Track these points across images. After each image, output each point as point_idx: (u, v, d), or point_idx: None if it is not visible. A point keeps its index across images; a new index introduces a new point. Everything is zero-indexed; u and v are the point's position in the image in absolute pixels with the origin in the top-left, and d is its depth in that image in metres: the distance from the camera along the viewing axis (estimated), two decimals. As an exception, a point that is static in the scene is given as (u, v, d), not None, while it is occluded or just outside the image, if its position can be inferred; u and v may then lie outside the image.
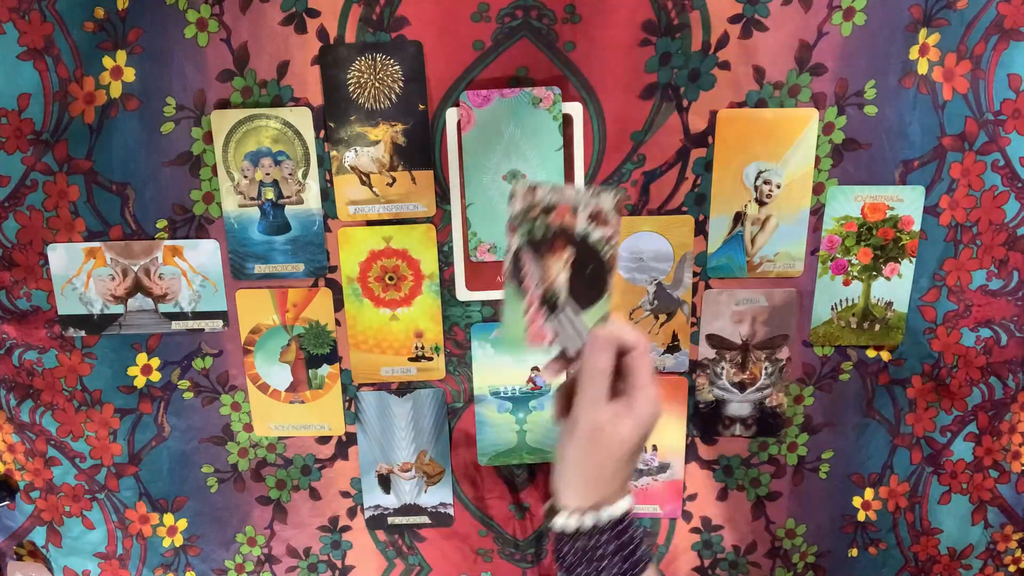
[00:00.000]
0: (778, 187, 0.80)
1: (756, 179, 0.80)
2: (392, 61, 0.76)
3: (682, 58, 0.76)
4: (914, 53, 0.77)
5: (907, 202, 0.81)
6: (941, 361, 0.86)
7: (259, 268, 0.82)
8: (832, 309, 0.84)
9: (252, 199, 0.80)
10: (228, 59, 0.76)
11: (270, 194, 0.80)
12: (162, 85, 0.76)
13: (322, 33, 0.76)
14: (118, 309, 0.83)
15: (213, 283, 0.83)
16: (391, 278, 0.83)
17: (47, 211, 0.80)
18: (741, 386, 0.87)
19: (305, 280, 0.83)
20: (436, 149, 0.79)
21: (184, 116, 0.78)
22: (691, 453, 0.89)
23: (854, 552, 0.93)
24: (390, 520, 0.91)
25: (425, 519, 0.91)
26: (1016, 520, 0.92)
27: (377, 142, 0.79)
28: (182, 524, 0.90)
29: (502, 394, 0.87)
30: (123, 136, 0.78)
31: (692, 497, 0.91)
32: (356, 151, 0.79)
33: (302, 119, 0.78)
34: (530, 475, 0.90)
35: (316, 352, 0.85)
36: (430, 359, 0.85)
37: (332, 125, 0.78)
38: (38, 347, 0.84)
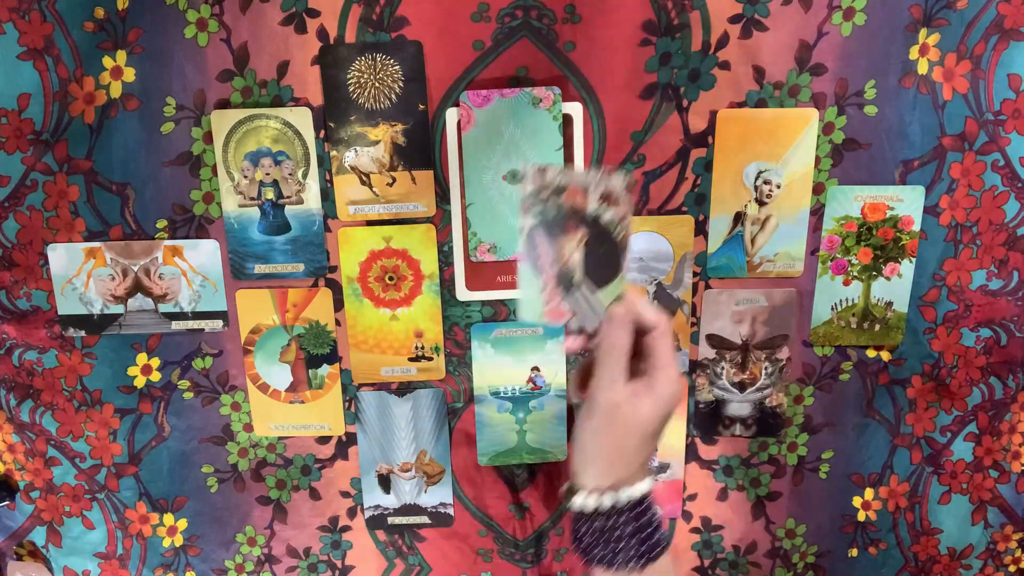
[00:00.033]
0: (778, 187, 0.80)
1: (756, 179, 0.80)
2: (392, 61, 0.76)
3: (682, 58, 0.76)
4: (914, 53, 0.77)
5: (907, 202, 0.81)
6: (941, 361, 0.86)
7: (259, 268, 0.82)
8: (832, 309, 0.84)
9: (252, 199, 0.80)
10: (228, 59, 0.76)
11: (270, 194, 0.80)
12: (162, 85, 0.76)
13: (322, 33, 0.76)
14: (118, 309, 0.83)
15: (213, 283, 0.83)
16: (391, 278, 0.83)
17: (47, 211, 0.80)
18: (741, 386, 0.87)
19: (305, 280, 0.83)
20: (436, 149, 0.79)
21: (184, 116, 0.78)
22: (691, 453, 0.89)
23: (854, 552, 0.93)
24: (390, 520, 0.91)
25: (425, 519, 0.91)
26: (1016, 520, 0.92)
27: (377, 142, 0.79)
28: (182, 524, 0.90)
29: (502, 394, 0.87)
30: (123, 136, 0.78)
31: (692, 497, 0.91)
32: (356, 151, 0.79)
33: (302, 119, 0.78)
34: (530, 475, 0.90)
35: (316, 352, 0.85)
36: (430, 359, 0.85)
37: (332, 125, 0.78)
38: (38, 347, 0.84)
